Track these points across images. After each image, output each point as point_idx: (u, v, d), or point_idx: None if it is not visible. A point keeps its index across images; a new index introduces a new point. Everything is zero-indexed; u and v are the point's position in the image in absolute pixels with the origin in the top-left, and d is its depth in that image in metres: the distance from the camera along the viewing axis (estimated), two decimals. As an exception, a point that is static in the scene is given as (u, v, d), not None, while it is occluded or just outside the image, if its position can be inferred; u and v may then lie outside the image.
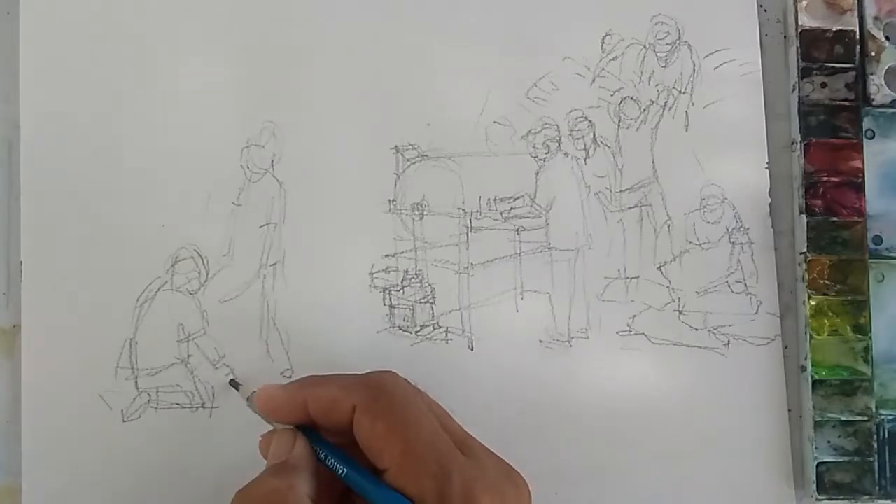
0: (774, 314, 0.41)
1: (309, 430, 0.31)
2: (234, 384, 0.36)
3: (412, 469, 0.27)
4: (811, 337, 0.40)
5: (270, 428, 0.32)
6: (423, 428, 0.28)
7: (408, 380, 0.31)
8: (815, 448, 0.39)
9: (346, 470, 0.29)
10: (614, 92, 0.41)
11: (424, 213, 0.39)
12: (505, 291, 0.40)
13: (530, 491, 0.30)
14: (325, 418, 0.30)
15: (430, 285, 0.39)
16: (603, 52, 0.41)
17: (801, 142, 0.41)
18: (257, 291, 0.38)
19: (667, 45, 0.42)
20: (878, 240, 0.41)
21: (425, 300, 0.39)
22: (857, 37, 0.41)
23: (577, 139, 0.41)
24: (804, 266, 0.40)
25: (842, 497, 0.39)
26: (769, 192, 0.42)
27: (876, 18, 0.42)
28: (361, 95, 0.39)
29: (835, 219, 0.41)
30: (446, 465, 0.27)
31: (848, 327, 0.40)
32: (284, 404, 0.30)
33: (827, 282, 0.40)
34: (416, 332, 0.39)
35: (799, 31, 0.42)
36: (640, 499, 0.39)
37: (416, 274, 0.39)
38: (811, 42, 0.42)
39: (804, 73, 0.41)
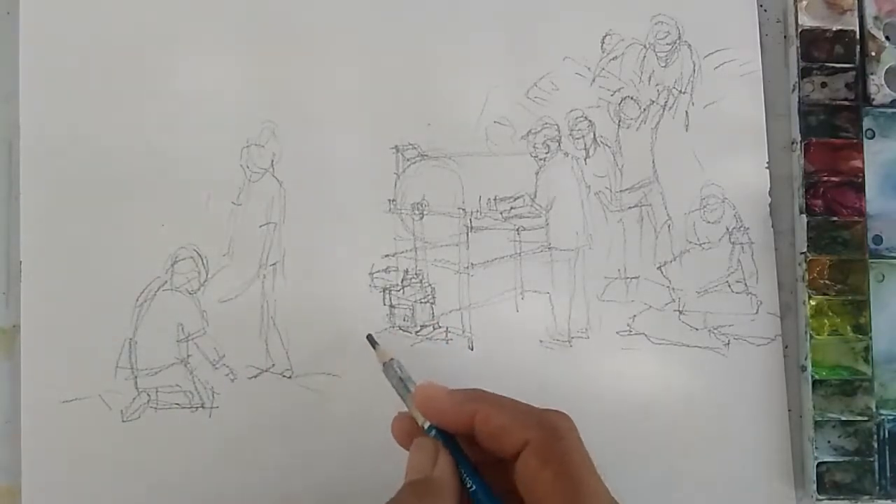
0: (774, 314, 0.41)
1: (452, 441, 0.30)
2: (371, 340, 0.35)
3: None
4: (811, 337, 0.40)
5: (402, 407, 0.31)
6: (592, 487, 0.27)
7: (577, 428, 0.29)
8: (815, 448, 0.39)
9: (485, 502, 0.28)
10: (614, 92, 0.41)
11: (424, 212, 0.39)
12: (505, 291, 0.40)
13: None
14: (487, 441, 0.28)
15: (430, 285, 0.39)
16: (603, 52, 0.41)
17: (801, 142, 0.41)
18: (257, 291, 0.38)
19: (667, 44, 0.42)
20: (878, 240, 0.41)
21: (425, 300, 0.39)
22: (857, 37, 0.41)
23: (577, 139, 0.41)
24: (804, 266, 0.40)
25: (842, 497, 0.39)
26: (769, 192, 0.42)
27: (876, 18, 0.42)
28: (361, 95, 0.39)
29: (835, 219, 0.41)
30: None
31: (848, 327, 0.40)
32: (448, 411, 0.29)
33: (827, 282, 0.40)
34: (416, 332, 0.39)
35: (799, 30, 0.42)
36: (640, 498, 0.39)
37: (416, 274, 0.39)
38: (811, 42, 0.42)
39: (804, 73, 0.41)
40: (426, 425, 0.30)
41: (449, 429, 0.30)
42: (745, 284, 0.41)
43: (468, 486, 0.28)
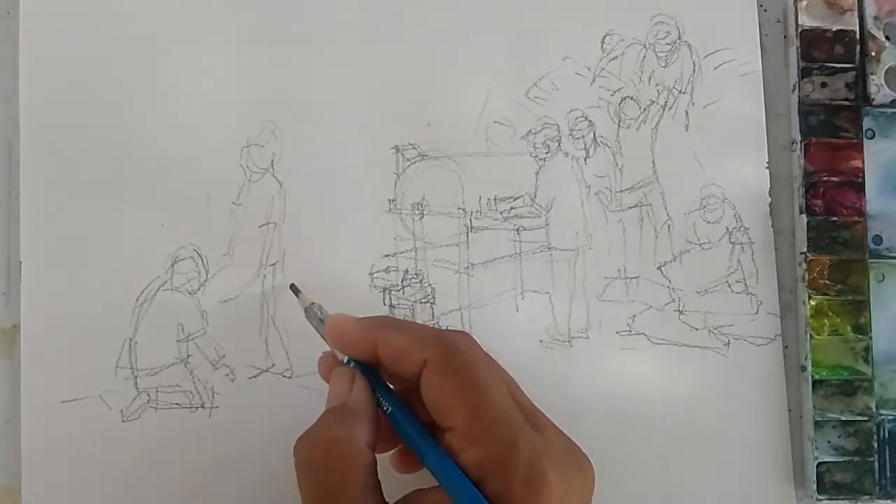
0: (774, 314, 0.41)
1: (370, 369, 0.30)
2: (294, 289, 0.36)
3: (479, 433, 0.27)
4: (811, 337, 0.40)
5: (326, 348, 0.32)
6: (494, 393, 0.28)
7: (480, 344, 0.30)
8: (815, 448, 0.39)
9: (401, 422, 0.29)
10: (614, 92, 0.41)
11: (424, 212, 0.39)
12: (505, 291, 0.40)
13: (594, 474, 0.29)
14: (391, 364, 0.29)
15: (430, 285, 0.39)
16: (603, 52, 0.41)
17: (801, 142, 0.41)
18: (257, 291, 0.38)
19: (667, 44, 0.42)
20: (878, 240, 0.41)
21: (425, 300, 0.39)
22: (857, 37, 0.41)
23: (577, 139, 0.41)
24: (804, 266, 0.40)
25: (842, 497, 0.39)
26: (769, 192, 0.42)
27: (876, 18, 0.42)
28: (361, 95, 0.39)
29: (835, 219, 0.41)
30: (514, 433, 0.27)
31: (848, 327, 0.40)
32: (354, 339, 0.30)
33: (827, 282, 0.40)
34: (416, 332, 0.39)
35: (799, 30, 0.42)
36: (640, 498, 0.39)
37: (416, 274, 0.39)
38: (811, 42, 0.42)
39: (804, 73, 0.41)
40: (346, 359, 0.31)
41: (360, 357, 0.30)
42: (745, 284, 0.41)
43: (385, 409, 0.29)
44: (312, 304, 0.34)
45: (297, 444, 0.28)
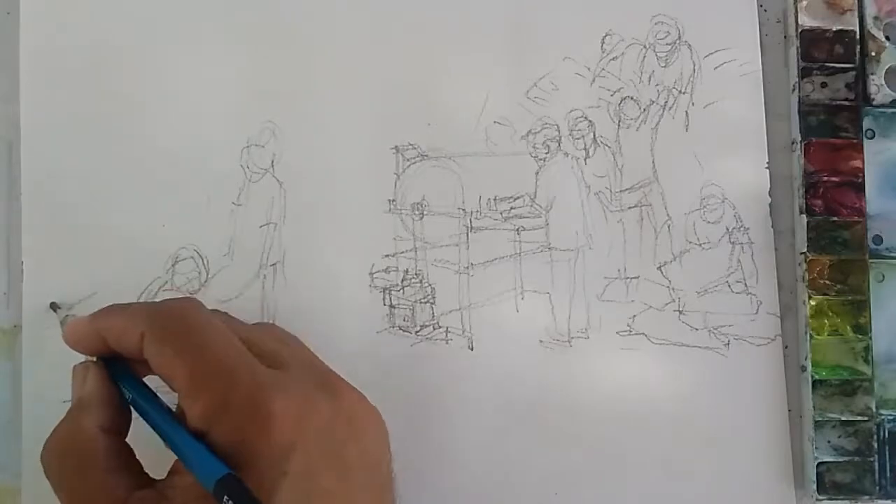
0: (774, 314, 0.41)
1: (115, 362, 0.29)
2: (53, 307, 0.36)
3: (198, 386, 0.26)
4: (811, 337, 0.40)
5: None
6: (212, 345, 0.27)
7: (203, 306, 0.29)
8: (815, 448, 0.39)
9: (140, 406, 0.28)
10: (614, 92, 0.41)
11: (424, 213, 0.39)
12: (505, 291, 0.40)
13: (366, 403, 0.29)
14: (120, 348, 0.28)
15: (430, 285, 0.39)
16: (603, 52, 0.41)
17: (801, 142, 0.41)
18: (257, 291, 0.38)
19: (667, 45, 0.42)
20: (878, 240, 0.41)
21: (425, 300, 0.39)
22: (857, 37, 0.41)
23: (577, 139, 0.41)
24: (804, 266, 0.40)
25: (842, 497, 0.39)
26: (769, 192, 0.42)
27: (876, 18, 0.42)
28: (361, 95, 0.39)
29: (835, 219, 0.41)
30: (235, 375, 0.26)
31: (848, 327, 0.40)
32: (84, 335, 0.29)
33: (827, 282, 0.40)
34: (416, 332, 0.39)
35: (799, 31, 0.42)
36: (639, 499, 0.39)
37: (416, 274, 0.39)
38: (811, 42, 0.41)
39: (804, 73, 0.41)
40: (94, 360, 0.30)
41: (97, 352, 0.29)
42: (745, 284, 0.41)
43: (128, 397, 0.29)
44: (66, 315, 0.34)
45: (41, 453, 0.27)
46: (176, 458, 0.27)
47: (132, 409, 0.29)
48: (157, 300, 0.29)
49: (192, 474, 0.25)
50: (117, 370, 0.30)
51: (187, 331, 0.27)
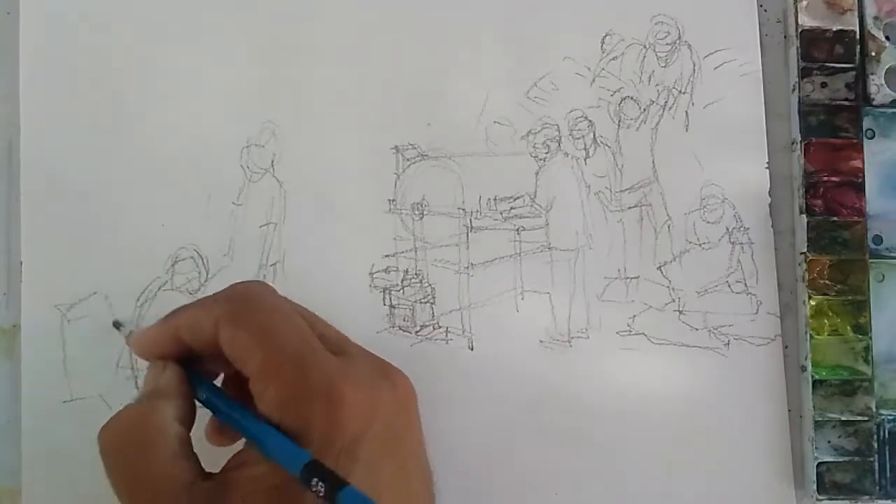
0: (774, 314, 0.41)
1: (187, 366, 0.30)
2: (116, 325, 0.36)
3: (272, 372, 0.26)
4: (811, 337, 0.40)
5: None
6: (284, 331, 0.27)
7: (276, 290, 0.30)
8: (815, 448, 0.39)
9: (215, 403, 0.29)
10: (614, 92, 0.41)
11: (424, 213, 0.39)
12: (505, 291, 0.40)
13: (414, 390, 0.29)
14: (197, 344, 0.28)
15: (430, 285, 0.39)
16: (603, 52, 0.41)
17: (801, 142, 0.41)
18: (257, 291, 0.38)
19: (667, 45, 0.42)
20: (878, 240, 0.41)
21: (425, 300, 0.39)
22: (857, 37, 0.41)
23: (577, 139, 0.41)
24: (804, 266, 0.40)
25: (842, 497, 0.39)
26: (769, 192, 0.42)
27: (876, 18, 0.42)
28: (361, 95, 0.40)
29: (835, 219, 0.41)
30: (307, 363, 0.27)
31: (848, 327, 0.40)
32: (155, 339, 0.29)
33: (827, 282, 0.40)
34: (416, 332, 0.39)
35: (799, 31, 0.42)
36: (639, 499, 0.39)
37: (416, 274, 0.39)
38: (811, 42, 0.41)
39: (804, 73, 0.41)
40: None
41: (170, 354, 0.30)
42: (745, 284, 0.41)
43: (203, 398, 0.29)
44: (130, 331, 0.34)
45: (100, 432, 0.27)
46: (232, 454, 0.27)
47: (204, 406, 0.29)
48: (225, 288, 0.29)
49: (257, 467, 0.26)
50: (188, 371, 0.30)
51: (262, 315, 0.28)
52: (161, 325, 0.30)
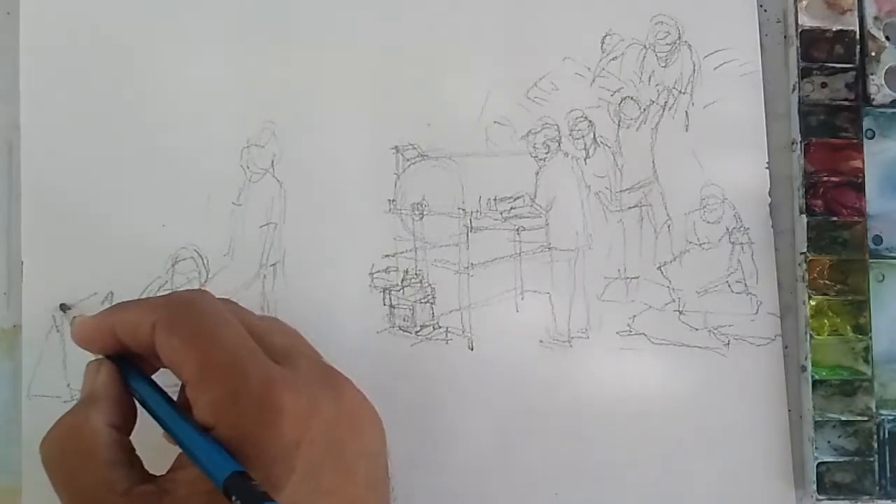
0: (774, 314, 0.41)
1: (125, 361, 0.30)
2: (63, 308, 0.36)
3: (207, 378, 0.26)
4: (811, 337, 0.40)
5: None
6: (222, 337, 0.27)
7: (215, 298, 0.29)
8: (816, 448, 0.39)
9: (149, 403, 0.28)
10: (614, 92, 0.41)
11: (424, 213, 0.39)
12: (505, 291, 0.40)
13: (366, 401, 0.29)
14: (132, 343, 0.28)
15: (430, 285, 0.39)
16: (603, 52, 0.41)
17: (801, 142, 0.41)
18: (257, 291, 0.38)
19: (667, 45, 0.42)
20: (878, 240, 0.41)
21: (425, 300, 0.39)
22: (857, 37, 0.41)
23: (577, 139, 0.41)
24: (804, 266, 0.40)
25: (842, 497, 0.39)
26: (769, 192, 0.42)
27: (876, 18, 0.42)
28: (361, 95, 0.40)
29: (835, 219, 0.41)
30: (243, 368, 0.26)
31: (848, 327, 0.40)
32: (94, 333, 0.29)
33: (827, 282, 0.40)
34: (416, 332, 0.39)
35: (799, 31, 0.42)
36: (639, 499, 0.39)
37: (416, 274, 0.39)
38: (811, 42, 0.41)
39: (804, 73, 0.41)
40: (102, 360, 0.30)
41: (107, 349, 0.29)
42: (745, 284, 0.41)
43: (137, 396, 0.29)
44: (75, 317, 0.33)
45: (41, 443, 0.27)
46: (178, 454, 0.27)
47: (140, 406, 0.29)
48: (165, 294, 0.29)
49: (195, 469, 0.25)
50: (126, 368, 0.30)
51: (198, 321, 0.27)
52: (99, 319, 0.29)
